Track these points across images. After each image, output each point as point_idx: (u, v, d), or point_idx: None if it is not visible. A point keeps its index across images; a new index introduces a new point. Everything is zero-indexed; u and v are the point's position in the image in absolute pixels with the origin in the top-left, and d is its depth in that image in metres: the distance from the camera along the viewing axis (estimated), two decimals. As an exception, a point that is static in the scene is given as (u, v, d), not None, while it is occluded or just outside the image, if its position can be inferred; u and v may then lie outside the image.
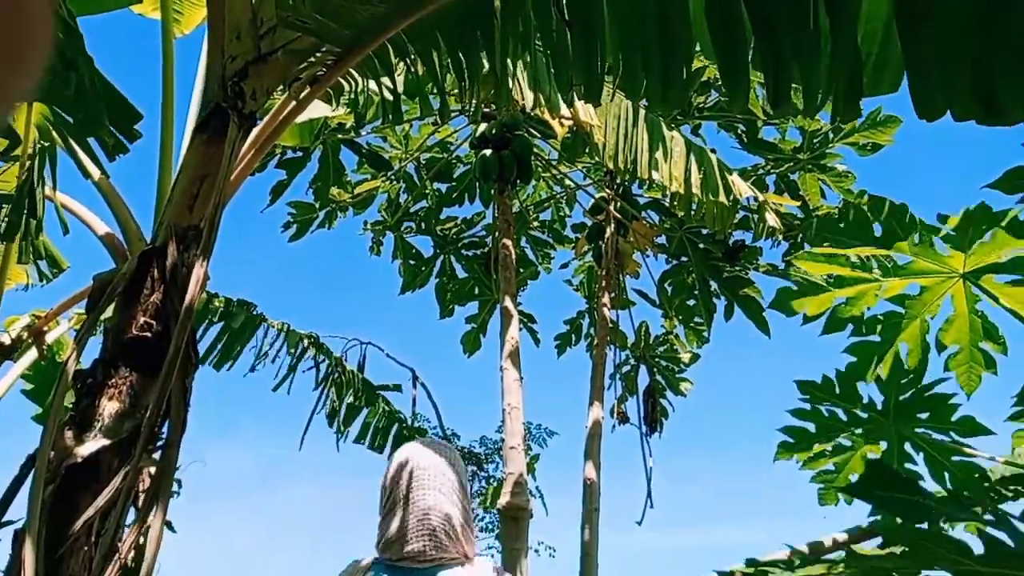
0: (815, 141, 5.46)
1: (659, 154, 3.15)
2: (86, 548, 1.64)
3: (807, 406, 2.42)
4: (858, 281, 2.29)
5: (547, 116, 2.98)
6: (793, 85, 1.30)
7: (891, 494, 1.03)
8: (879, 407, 2.42)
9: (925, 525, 0.98)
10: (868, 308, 2.44)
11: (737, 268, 5.53)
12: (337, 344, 5.61)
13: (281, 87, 2.18)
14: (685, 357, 6.56)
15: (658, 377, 6.47)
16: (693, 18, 1.43)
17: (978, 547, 0.90)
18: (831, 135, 5.42)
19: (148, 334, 1.76)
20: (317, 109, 2.96)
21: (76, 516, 1.64)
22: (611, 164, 3.15)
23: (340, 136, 4.72)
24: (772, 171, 5.63)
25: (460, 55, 2.05)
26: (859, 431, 2.53)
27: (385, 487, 1.67)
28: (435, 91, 2.55)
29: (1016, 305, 2.26)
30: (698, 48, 1.46)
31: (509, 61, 2.02)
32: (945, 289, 2.30)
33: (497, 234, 5.25)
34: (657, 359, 6.51)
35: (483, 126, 5.16)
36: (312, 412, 5.34)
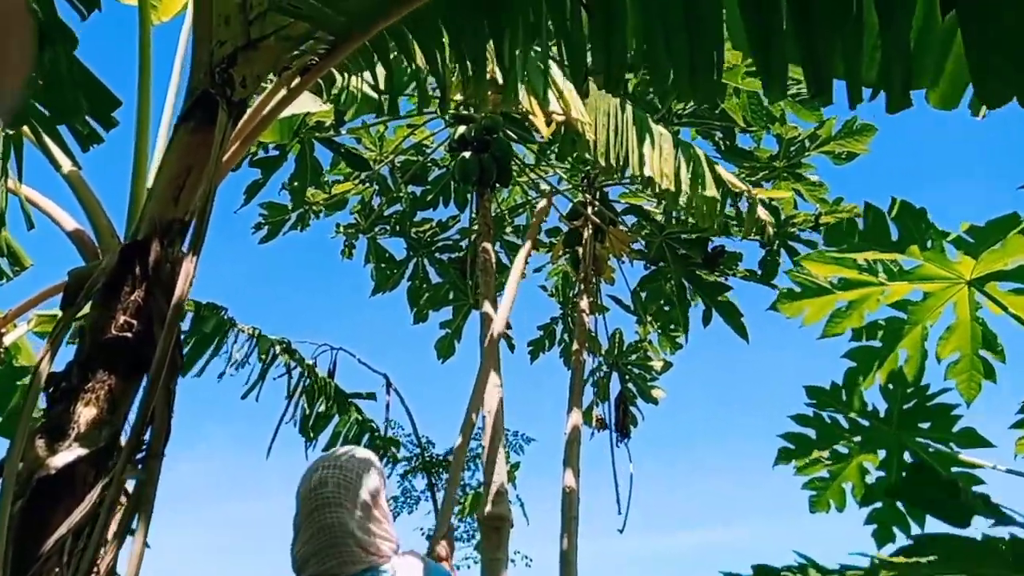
0: (791, 149, 5.46)
1: (647, 148, 3.10)
2: (57, 569, 1.50)
3: (811, 412, 2.38)
4: (863, 284, 2.24)
5: (536, 112, 2.90)
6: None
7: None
8: (882, 415, 2.38)
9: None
10: (870, 312, 2.40)
11: (716, 274, 5.51)
12: (307, 350, 5.44)
13: (271, 76, 2.06)
14: (657, 365, 6.52)
15: (630, 384, 6.42)
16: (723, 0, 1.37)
17: None
18: (807, 143, 5.42)
19: (129, 334, 1.63)
20: (301, 104, 2.83)
21: (47, 534, 1.50)
22: (603, 161, 3.09)
23: (318, 135, 4.58)
24: (748, 179, 5.62)
25: (463, 47, 1.95)
26: (858, 439, 2.49)
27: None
28: (429, 84, 2.45)
29: (1022, 312, 2.24)
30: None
31: (514, 53, 1.93)
32: (950, 295, 2.26)
33: (476, 238, 5.14)
34: (629, 367, 6.46)
35: (462, 128, 5.07)
36: (280, 420, 5.17)
